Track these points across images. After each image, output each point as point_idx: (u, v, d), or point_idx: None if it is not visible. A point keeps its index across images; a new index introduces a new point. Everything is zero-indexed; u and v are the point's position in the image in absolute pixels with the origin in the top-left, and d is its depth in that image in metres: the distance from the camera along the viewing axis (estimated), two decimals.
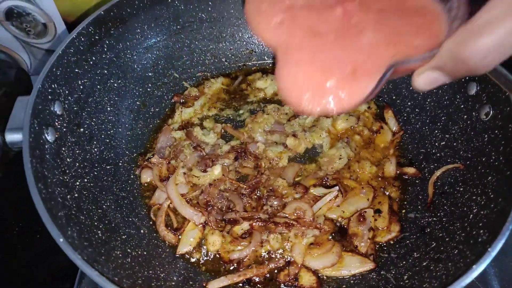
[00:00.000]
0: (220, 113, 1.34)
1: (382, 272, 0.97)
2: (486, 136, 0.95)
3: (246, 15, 0.76)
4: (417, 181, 1.13)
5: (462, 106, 1.03)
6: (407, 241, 1.02)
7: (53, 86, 0.95)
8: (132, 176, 1.19)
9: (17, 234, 1.13)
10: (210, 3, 1.31)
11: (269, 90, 1.37)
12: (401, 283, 0.91)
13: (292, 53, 0.70)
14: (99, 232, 0.92)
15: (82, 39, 1.05)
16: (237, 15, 1.37)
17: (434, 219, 1.00)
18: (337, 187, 1.11)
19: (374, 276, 0.97)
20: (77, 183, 0.96)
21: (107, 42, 1.14)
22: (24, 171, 0.79)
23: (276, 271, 1.02)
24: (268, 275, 1.02)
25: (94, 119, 1.12)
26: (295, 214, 1.07)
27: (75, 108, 1.04)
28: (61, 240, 0.74)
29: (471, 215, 0.89)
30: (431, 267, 0.87)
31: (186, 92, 1.38)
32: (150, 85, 1.32)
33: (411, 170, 1.15)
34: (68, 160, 0.96)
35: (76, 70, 1.05)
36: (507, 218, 0.76)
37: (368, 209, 1.08)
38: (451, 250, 0.87)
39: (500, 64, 0.56)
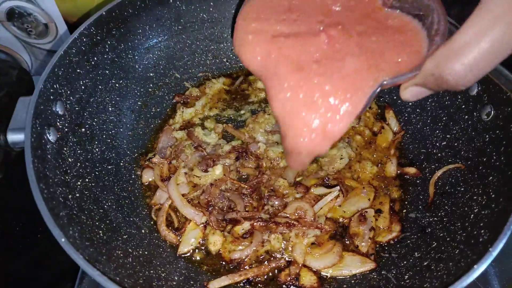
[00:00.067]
0: (221, 113, 1.34)
1: (383, 272, 0.97)
2: (487, 136, 0.95)
3: (234, 45, 0.77)
4: (418, 181, 1.13)
5: (463, 106, 1.03)
6: (408, 241, 1.02)
7: (55, 86, 0.95)
8: (133, 176, 1.19)
9: (18, 234, 1.13)
10: (211, 3, 1.32)
11: None
12: (402, 283, 0.91)
13: (279, 87, 0.71)
14: (100, 232, 0.92)
15: (84, 39, 1.05)
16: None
17: (435, 219, 1.01)
18: (338, 187, 1.11)
19: (375, 276, 0.98)
20: (79, 183, 0.96)
21: (109, 42, 1.14)
22: (25, 171, 0.80)
23: (277, 270, 1.02)
24: (269, 275, 1.02)
25: (95, 119, 1.12)
26: (296, 214, 1.07)
27: (76, 108, 1.04)
28: (63, 240, 0.75)
29: (472, 215, 0.89)
30: (432, 267, 0.87)
31: (187, 92, 1.38)
32: (151, 85, 1.32)
33: (412, 170, 1.15)
34: (69, 160, 0.96)
35: (78, 70, 1.05)
36: (508, 218, 0.76)
37: (369, 209, 1.08)
38: (452, 250, 0.87)
39: (500, 64, 0.57)
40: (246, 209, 1.10)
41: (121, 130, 1.22)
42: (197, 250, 1.07)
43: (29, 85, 1.22)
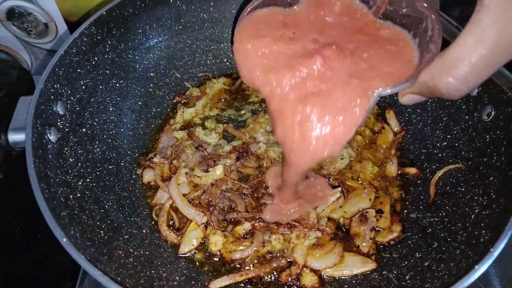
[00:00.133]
0: (221, 113, 1.34)
1: (384, 272, 0.98)
2: (487, 136, 0.95)
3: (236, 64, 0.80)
4: (418, 182, 1.14)
5: (464, 106, 1.04)
6: (409, 241, 1.02)
7: (55, 86, 0.95)
8: (134, 176, 1.19)
9: (18, 234, 1.13)
10: (211, 3, 1.31)
11: None
12: (403, 283, 0.91)
13: (277, 112, 0.76)
14: (101, 232, 0.92)
15: (85, 39, 1.05)
16: (239, 16, 1.37)
17: (436, 219, 1.01)
18: (339, 188, 1.11)
19: (376, 276, 0.98)
20: (80, 183, 0.96)
21: (109, 42, 1.14)
22: (26, 171, 0.80)
23: (278, 270, 1.02)
24: (270, 275, 1.02)
25: (96, 119, 1.12)
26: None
27: (77, 108, 1.04)
28: (64, 240, 0.74)
29: (473, 215, 0.89)
30: (433, 267, 0.87)
31: (188, 92, 1.38)
32: (152, 85, 1.32)
33: (412, 170, 1.15)
34: (70, 160, 0.96)
35: (79, 70, 1.05)
36: (509, 218, 0.76)
37: (370, 209, 1.08)
38: (453, 250, 0.87)
39: None
40: (247, 209, 1.10)
41: (122, 130, 1.22)
42: (198, 250, 1.07)
43: (29, 84, 1.22)
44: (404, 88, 0.69)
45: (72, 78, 1.02)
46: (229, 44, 1.41)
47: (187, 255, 1.06)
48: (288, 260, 1.03)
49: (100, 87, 1.14)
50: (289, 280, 1.00)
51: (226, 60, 1.44)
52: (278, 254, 1.04)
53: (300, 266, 1.01)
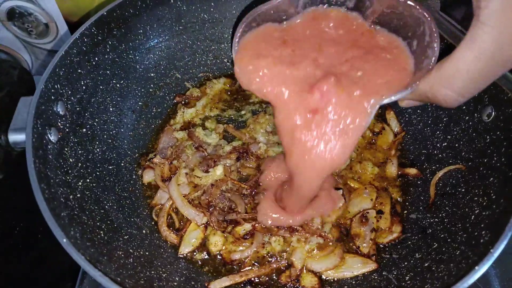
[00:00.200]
0: (222, 114, 1.34)
1: (384, 273, 0.97)
2: (488, 137, 0.95)
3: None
4: (418, 182, 1.14)
5: (464, 107, 1.03)
6: (409, 242, 1.02)
7: (56, 86, 0.95)
8: (134, 177, 1.19)
9: (18, 234, 1.13)
10: (212, 4, 1.32)
11: None
12: (403, 283, 0.91)
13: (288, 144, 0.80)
14: (101, 232, 0.92)
15: (85, 39, 1.05)
16: (239, 16, 1.37)
17: (436, 220, 1.01)
18: (341, 191, 1.11)
19: (376, 277, 0.98)
20: (80, 183, 0.96)
21: (110, 42, 1.14)
22: (26, 171, 0.80)
23: (278, 272, 1.02)
24: (269, 276, 1.02)
25: (96, 120, 1.12)
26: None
27: (77, 109, 1.04)
28: (64, 240, 0.75)
29: (473, 216, 0.89)
30: (433, 268, 0.87)
31: (188, 92, 1.38)
32: (152, 85, 1.32)
33: (412, 171, 1.15)
34: (70, 160, 0.96)
35: (79, 70, 1.05)
36: (509, 219, 0.76)
37: (371, 210, 1.08)
38: (453, 251, 0.87)
39: None
40: (247, 210, 1.10)
41: (122, 130, 1.22)
42: (198, 251, 1.07)
43: (30, 85, 1.22)
44: (402, 96, 0.72)
45: (73, 79, 1.02)
46: (229, 44, 1.42)
47: (187, 255, 1.06)
48: (288, 262, 1.03)
49: (101, 87, 1.14)
50: (289, 281, 1.00)
51: (226, 61, 1.44)
52: (278, 257, 1.04)
53: (299, 269, 1.01)
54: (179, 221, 1.12)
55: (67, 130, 0.98)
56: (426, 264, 0.91)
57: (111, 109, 1.19)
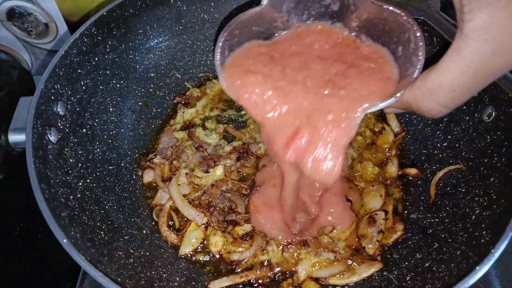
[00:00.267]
0: (222, 114, 1.34)
1: (384, 273, 0.97)
2: (488, 137, 0.95)
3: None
4: (419, 182, 1.13)
5: (464, 107, 1.03)
6: (410, 242, 1.02)
7: (56, 86, 0.95)
8: (134, 177, 1.19)
9: (18, 234, 1.13)
10: (212, 4, 1.31)
11: None
12: (404, 284, 0.91)
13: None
14: (101, 232, 0.92)
15: (85, 39, 1.05)
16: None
17: (437, 220, 1.01)
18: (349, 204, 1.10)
19: (377, 277, 0.98)
20: (80, 184, 0.96)
21: (110, 42, 1.14)
22: (26, 172, 0.80)
23: (279, 276, 1.02)
24: (270, 279, 1.01)
25: (96, 120, 1.12)
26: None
27: (77, 109, 1.04)
28: (65, 241, 0.74)
29: (474, 216, 0.89)
30: (434, 268, 0.87)
31: (188, 92, 1.38)
32: (152, 85, 1.32)
33: (413, 171, 1.15)
34: (71, 160, 0.96)
35: (79, 70, 1.05)
36: (510, 219, 0.76)
37: (379, 211, 1.07)
38: (453, 251, 0.87)
39: None
40: (247, 210, 1.10)
41: (122, 130, 1.22)
42: (198, 251, 1.07)
43: (29, 85, 1.22)
44: (386, 105, 0.72)
45: (73, 79, 1.02)
46: None
47: (188, 255, 1.06)
48: (292, 270, 1.02)
49: (101, 87, 1.14)
50: None
51: None
52: (279, 267, 1.03)
53: (302, 279, 1.00)
54: (179, 221, 1.12)
55: (67, 130, 0.98)
56: (426, 264, 0.91)
57: (111, 109, 1.18)
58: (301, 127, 0.76)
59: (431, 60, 0.66)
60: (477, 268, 0.73)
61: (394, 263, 0.99)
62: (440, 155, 1.11)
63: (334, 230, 1.04)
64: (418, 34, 0.71)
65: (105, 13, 1.09)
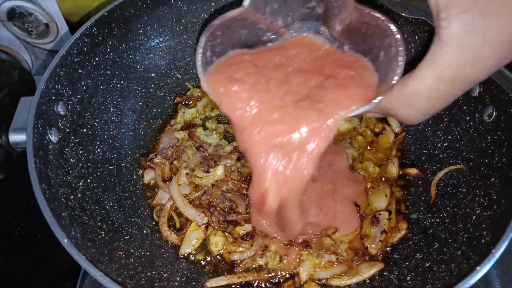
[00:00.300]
0: (222, 114, 1.34)
1: (385, 273, 0.97)
2: (489, 137, 0.95)
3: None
4: (419, 182, 1.13)
5: (465, 107, 1.03)
6: (410, 242, 1.02)
7: (56, 86, 0.95)
8: (135, 177, 1.19)
9: (18, 234, 1.13)
10: (212, 4, 1.31)
11: None
12: (404, 284, 0.91)
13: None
14: (102, 232, 0.92)
15: (86, 39, 1.05)
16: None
17: (437, 220, 1.01)
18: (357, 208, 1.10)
19: (377, 277, 0.98)
20: (80, 184, 0.96)
21: (110, 43, 1.14)
22: (27, 172, 0.80)
23: (280, 277, 1.01)
24: (270, 281, 1.01)
25: (97, 120, 1.12)
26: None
27: (78, 109, 1.04)
28: (66, 240, 0.74)
29: (474, 216, 0.89)
30: (434, 268, 0.87)
31: (189, 92, 1.38)
32: (152, 85, 1.32)
33: (413, 171, 1.15)
34: (71, 160, 0.96)
35: (80, 70, 1.05)
36: (510, 219, 0.76)
37: (383, 211, 1.07)
38: (454, 251, 0.87)
39: None
40: (247, 210, 1.10)
41: (123, 130, 1.22)
42: (198, 251, 1.07)
43: (30, 85, 1.22)
44: (365, 111, 0.73)
45: (73, 79, 1.02)
46: None
47: (188, 255, 1.06)
48: (293, 272, 1.02)
49: (101, 87, 1.14)
50: None
51: None
52: (278, 271, 1.02)
53: (303, 281, 0.99)
54: (180, 221, 1.12)
55: (67, 130, 0.98)
56: (427, 265, 0.91)
57: (111, 109, 1.19)
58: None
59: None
60: (477, 268, 0.73)
61: (395, 263, 0.99)
62: (441, 155, 1.11)
63: (337, 232, 1.04)
64: (399, 38, 0.71)
65: (105, 13, 1.09)
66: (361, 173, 1.16)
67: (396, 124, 1.25)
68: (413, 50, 1.14)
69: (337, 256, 1.01)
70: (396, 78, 0.70)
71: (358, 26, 0.79)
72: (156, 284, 0.90)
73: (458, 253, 0.85)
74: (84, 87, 1.07)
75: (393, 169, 1.17)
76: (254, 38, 0.86)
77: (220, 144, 1.24)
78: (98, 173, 1.06)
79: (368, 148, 1.23)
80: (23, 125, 0.93)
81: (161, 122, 1.32)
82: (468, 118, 1.03)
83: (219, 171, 1.14)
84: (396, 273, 0.96)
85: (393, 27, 0.72)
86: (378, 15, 0.74)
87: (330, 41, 0.85)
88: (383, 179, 1.16)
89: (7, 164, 1.02)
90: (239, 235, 1.06)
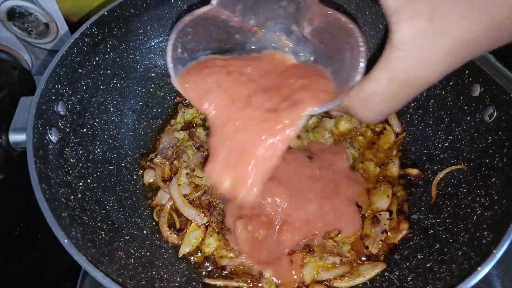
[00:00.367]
0: None
1: (385, 274, 0.97)
2: (489, 137, 0.95)
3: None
4: (420, 182, 1.13)
5: (466, 107, 1.03)
6: (411, 243, 1.02)
7: (56, 86, 0.95)
8: (135, 177, 1.19)
9: (18, 234, 1.12)
10: (212, 3, 1.31)
11: None
12: (405, 284, 0.91)
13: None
14: (102, 232, 0.92)
15: (86, 39, 1.05)
16: None
17: (438, 220, 1.00)
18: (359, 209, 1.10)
19: (378, 278, 0.97)
20: (81, 184, 0.96)
21: (110, 42, 1.14)
22: (27, 172, 0.79)
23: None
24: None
25: (97, 120, 1.12)
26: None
27: (78, 109, 1.04)
28: (66, 241, 0.74)
29: (475, 217, 0.89)
30: (435, 269, 0.87)
31: None
32: (152, 85, 1.32)
33: (414, 171, 1.15)
34: (71, 160, 0.96)
35: (80, 70, 1.04)
36: (511, 220, 0.76)
37: (384, 212, 1.07)
38: (455, 251, 0.87)
39: (502, 64, 0.60)
40: None
41: (123, 130, 1.22)
42: (198, 251, 1.07)
43: (30, 85, 1.22)
44: (328, 108, 0.74)
45: (73, 78, 1.02)
46: None
47: (188, 256, 1.06)
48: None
49: (101, 87, 1.14)
50: None
51: None
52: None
53: (307, 283, 0.99)
54: (180, 221, 1.12)
55: (67, 130, 0.98)
56: (428, 265, 0.90)
57: (111, 109, 1.18)
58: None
59: None
60: (478, 268, 0.73)
61: (396, 264, 0.99)
62: (441, 156, 1.10)
63: (339, 235, 1.03)
64: (359, 38, 0.72)
65: (105, 13, 1.09)
66: (361, 172, 1.16)
67: (396, 124, 1.25)
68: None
69: (341, 258, 1.01)
70: (356, 79, 0.71)
71: (326, 27, 0.79)
72: (156, 285, 0.90)
73: (459, 254, 0.85)
74: (84, 87, 1.07)
75: (394, 169, 1.17)
76: (226, 36, 0.86)
77: None
78: (98, 173, 1.06)
79: (369, 148, 1.22)
80: (23, 125, 0.93)
81: (161, 122, 1.32)
82: (468, 118, 1.02)
83: None
84: (397, 273, 0.96)
85: (355, 29, 0.72)
86: (339, 15, 0.74)
87: (299, 47, 0.86)
88: (384, 179, 1.16)
89: (7, 164, 1.02)
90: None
